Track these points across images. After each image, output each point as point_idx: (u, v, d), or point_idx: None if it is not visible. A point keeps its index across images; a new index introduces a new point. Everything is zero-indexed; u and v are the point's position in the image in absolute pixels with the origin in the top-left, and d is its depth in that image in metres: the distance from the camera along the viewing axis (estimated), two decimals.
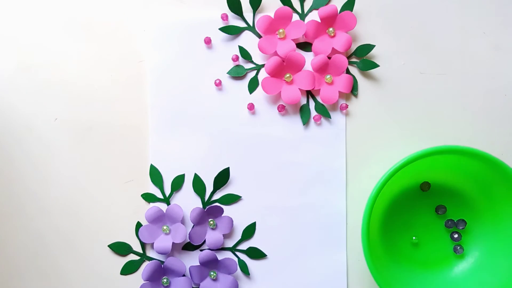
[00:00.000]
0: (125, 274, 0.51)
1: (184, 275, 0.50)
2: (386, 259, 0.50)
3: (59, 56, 0.52)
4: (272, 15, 0.50)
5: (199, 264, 0.50)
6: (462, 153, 0.46)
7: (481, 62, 0.52)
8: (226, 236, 0.51)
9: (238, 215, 0.51)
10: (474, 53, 0.52)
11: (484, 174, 0.48)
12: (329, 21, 0.50)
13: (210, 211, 0.50)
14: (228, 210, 0.51)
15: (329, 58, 0.50)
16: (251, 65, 0.52)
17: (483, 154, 0.46)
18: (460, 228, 0.51)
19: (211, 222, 0.50)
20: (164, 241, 0.50)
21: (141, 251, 0.51)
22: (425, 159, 0.47)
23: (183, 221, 0.51)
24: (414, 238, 0.51)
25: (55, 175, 0.51)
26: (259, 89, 0.51)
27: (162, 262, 0.50)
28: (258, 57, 0.52)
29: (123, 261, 0.51)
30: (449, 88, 0.52)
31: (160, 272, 0.50)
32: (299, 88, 0.50)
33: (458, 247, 0.51)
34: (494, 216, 0.50)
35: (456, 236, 0.51)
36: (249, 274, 0.51)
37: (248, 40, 0.51)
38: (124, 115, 0.52)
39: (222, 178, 0.51)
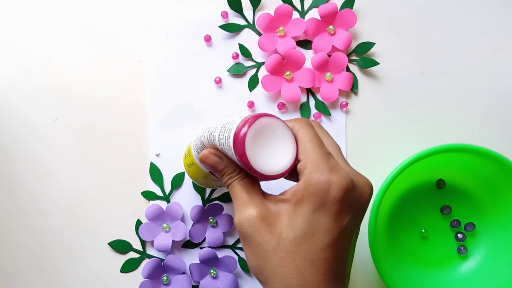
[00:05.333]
0: (125, 272, 0.51)
1: (184, 273, 0.50)
2: (391, 255, 0.49)
3: (59, 56, 0.52)
4: (272, 13, 0.50)
5: (199, 262, 0.49)
6: (472, 152, 0.46)
7: (481, 62, 0.52)
8: (226, 234, 0.51)
9: None
10: (474, 53, 0.52)
11: (492, 174, 0.48)
12: (329, 18, 0.50)
13: (210, 209, 0.50)
14: (228, 208, 0.51)
15: (329, 56, 0.50)
16: (251, 63, 0.52)
17: (493, 153, 0.45)
18: (469, 231, 0.51)
19: (211, 220, 0.50)
20: (164, 239, 0.49)
21: (141, 249, 0.51)
22: (434, 157, 0.46)
23: (183, 219, 0.50)
24: (423, 231, 0.51)
25: (55, 175, 0.51)
26: (259, 87, 0.51)
27: (162, 260, 0.50)
28: (258, 55, 0.52)
29: (123, 259, 0.51)
30: (449, 88, 0.52)
31: (160, 270, 0.49)
32: (299, 86, 0.50)
33: (462, 248, 0.51)
34: (500, 217, 0.49)
35: (460, 236, 0.51)
36: (249, 272, 0.51)
37: (248, 38, 0.52)
38: (124, 115, 0.52)
39: None
